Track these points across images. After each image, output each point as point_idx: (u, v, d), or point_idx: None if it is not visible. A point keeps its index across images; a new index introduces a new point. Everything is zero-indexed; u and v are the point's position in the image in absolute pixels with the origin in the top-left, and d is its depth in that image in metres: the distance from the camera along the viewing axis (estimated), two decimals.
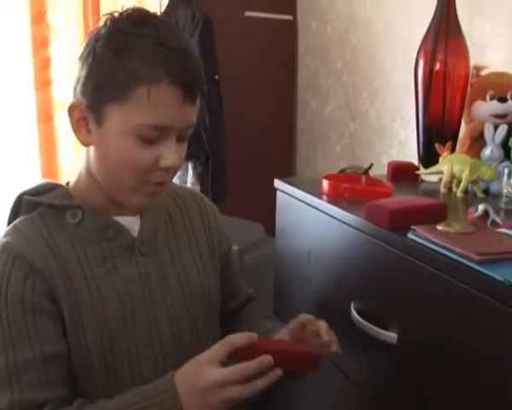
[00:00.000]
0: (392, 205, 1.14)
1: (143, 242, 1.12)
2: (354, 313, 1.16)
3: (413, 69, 1.68)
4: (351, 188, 1.36)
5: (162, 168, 1.04)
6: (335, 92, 2.61)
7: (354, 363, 1.22)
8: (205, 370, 0.94)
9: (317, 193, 1.41)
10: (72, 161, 2.87)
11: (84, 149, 1.10)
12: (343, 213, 1.25)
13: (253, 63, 2.79)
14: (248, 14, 2.76)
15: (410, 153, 2.08)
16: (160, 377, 0.99)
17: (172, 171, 1.07)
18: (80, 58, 1.04)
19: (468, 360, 0.91)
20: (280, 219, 1.63)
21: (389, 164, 1.67)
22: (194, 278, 1.17)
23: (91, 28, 2.85)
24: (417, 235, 1.01)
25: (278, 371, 0.92)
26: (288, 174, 2.92)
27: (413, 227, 1.03)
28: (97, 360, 1.04)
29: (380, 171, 1.79)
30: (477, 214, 1.08)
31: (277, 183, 1.61)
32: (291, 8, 2.88)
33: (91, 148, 1.07)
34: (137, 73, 0.97)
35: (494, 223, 1.08)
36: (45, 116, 2.76)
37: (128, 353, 1.07)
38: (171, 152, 1.03)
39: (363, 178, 1.51)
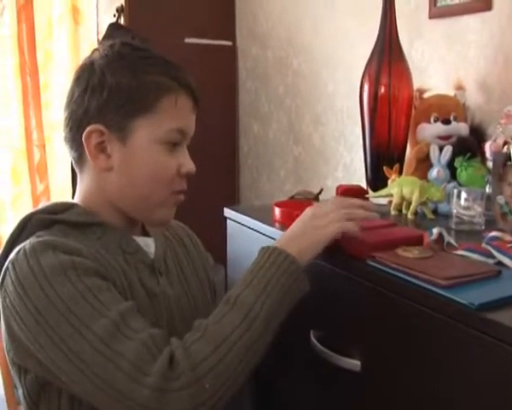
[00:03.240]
0: (372, 239, 1.09)
1: (160, 262, 1.18)
2: (314, 341, 1.15)
3: (355, 92, 1.70)
4: None
5: (183, 175, 1.15)
6: (278, 116, 2.62)
7: (317, 392, 1.20)
8: None
9: (268, 220, 1.40)
10: (11, 193, 2.80)
11: (88, 177, 1.15)
12: None
13: None
14: (188, 40, 2.75)
15: (355, 175, 2.10)
16: None
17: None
18: (85, 91, 1.10)
19: (435, 387, 0.91)
20: (231, 248, 1.61)
21: (338, 188, 1.68)
22: (201, 301, 1.24)
23: (26, 57, 2.80)
24: (377, 261, 1.01)
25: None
26: (232, 199, 2.91)
27: (372, 254, 1.02)
28: None
29: (327, 194, 1.80)
30: (432, 238, 1.08)
31: (227, 211, 1.59)
32: (230, 33, 2.89)
33: (107, 174, 1.12)
34: (163, 85, 1.10)
35: (449, 245, 1.09)
36: None
37: None
38: (187, 158, 1.16)
39: (315, 203, 1.51)
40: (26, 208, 2.78)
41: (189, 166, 1.16)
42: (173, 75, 1.12)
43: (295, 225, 1.09)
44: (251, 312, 0.97)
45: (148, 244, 1.19)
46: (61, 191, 2.89)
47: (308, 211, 1.10)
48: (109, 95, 1.08)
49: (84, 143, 1.10)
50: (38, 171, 2.86)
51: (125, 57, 1.12)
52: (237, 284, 1.02)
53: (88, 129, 1.10)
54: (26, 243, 1.04)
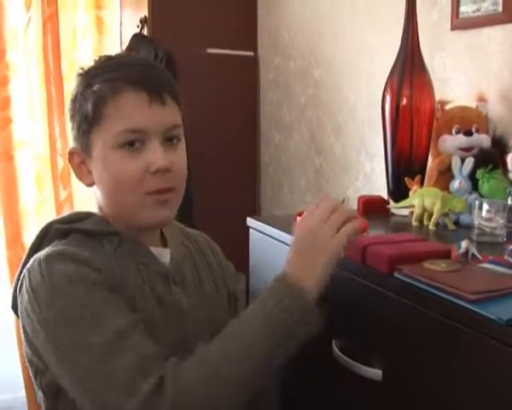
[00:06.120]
0: (391, 250, 1.09)
1: (175, 272, 1.17)
2: (336, 351, 1.15)
3: (376, 103, 1.71)
4: None
5: (154, 173, 1.07)
6: (299, 127, 2.63)
7: (339, 401, 1.21)
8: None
9: (290, 230, 1.41)
10: (35, 200, 2.83)
11: (95, 192, 1.17)
12: None
13: (215, 99, 2.79)
14: (210, 50, 2.78)
15: (375, 186, 2.10)
16: None
17: (172, 175, 1.11)
18: (73, 101, 1.13)
19: (459, 400, 0.91)
20: (253, 257, 1.62)
21: (359, 198, 1.69)
22: (218, 312, 1.22)
23: (51, 66, 2.84)
24: (404, 274, 1.01)
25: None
26: (253, 209, 2.92)
27: (399, 266, 1.02)
28: None
29: (348, 205, 1.80)
30: (460, 251, 1.08)
31: (250, 221, 1.61)
32: (252, 44, 2.91)
33: (95, 188, 1.14)
34: (100, 94, 1.08)
35: (474, 257, 1.09)
36: (6, 155, 2.74)
37: None
38: (156, 155, 1.08)
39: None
40: (50, 215, 2.82)
41: (158, 162, 1.07)
42: (114, 77, 1.08)
43: (301, 246, 1.05)
44: (252, 347, 0.98)
45: (164, 255, 1.19)
46: (83, 199, 2.92)
47: (304, 226, 1.07)
48: (72, 115, 1.13)
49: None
50: (62, 178, 2.89)
51: (90, 70, 1.13)
52: (244, 314, 1.02)
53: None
54: (42, 252, 1.07)
